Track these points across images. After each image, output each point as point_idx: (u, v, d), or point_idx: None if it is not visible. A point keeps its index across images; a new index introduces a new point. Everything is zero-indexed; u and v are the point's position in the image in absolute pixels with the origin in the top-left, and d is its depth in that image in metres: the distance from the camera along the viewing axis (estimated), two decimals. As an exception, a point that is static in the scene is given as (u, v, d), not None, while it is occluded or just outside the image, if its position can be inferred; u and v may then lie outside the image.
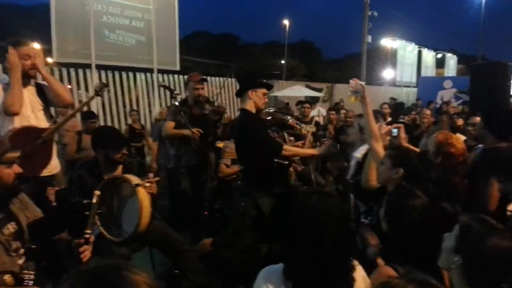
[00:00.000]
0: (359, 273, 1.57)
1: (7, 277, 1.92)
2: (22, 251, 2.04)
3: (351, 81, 2.80)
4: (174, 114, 4.18)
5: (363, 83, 2.81)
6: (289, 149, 3.29)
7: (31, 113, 3.09)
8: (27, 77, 3.10)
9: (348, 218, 1.55)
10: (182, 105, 4.19)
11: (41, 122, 3.14)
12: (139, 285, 0.77)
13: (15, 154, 2.01)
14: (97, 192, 2.21)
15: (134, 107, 9.67)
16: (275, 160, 3.36)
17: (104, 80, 9.11)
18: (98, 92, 3.29)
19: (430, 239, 1.62)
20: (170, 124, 4.18)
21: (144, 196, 2.63)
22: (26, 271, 1.99)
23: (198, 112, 4.19)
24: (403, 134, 2.87)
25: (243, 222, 3.18)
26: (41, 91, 3.22)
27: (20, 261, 2.01)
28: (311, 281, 1.43)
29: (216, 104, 7.24)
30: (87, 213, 2.13)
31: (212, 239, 3.48)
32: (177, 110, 4.12)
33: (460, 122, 6.94)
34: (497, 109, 3.43)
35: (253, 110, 3.26)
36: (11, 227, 2.02)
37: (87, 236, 1.99)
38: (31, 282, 1.96)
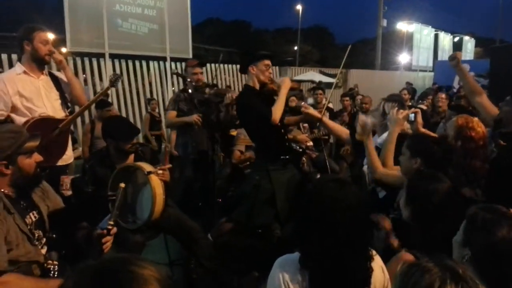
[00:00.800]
0: (377, 263, 1.55)
1: (34, 267, 1.93)
2: (44, 240, 2.05)
3: (360, 117, 2.72)
4: (175, 102, 4.09)
5: (373, 120, 2.71)
6: (274, 108, 3.04)
7: (48, 103, 3.11)
8: (42, 63, 3.12)
9: (365, 207, 1.50)
10: (183, 92, 4.13)
11: (58, 112, 3.16)
12: (147, 280, 0.74)
13: (35, 143, 1.99)
14: (122, 185, 2.20)
15: (148, 95, 9.72)
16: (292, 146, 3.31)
17: (117, 69, 9.16)
18: (113, 83, 3.31)
19: (452, 225, 1.57)
20: (172, 114, 4.08)
21: (157, 184, 2.63)
22: (50, 261, 1.99)
23: (200, 98, 4.06)
24: (420, 120, 2.82)
25: (257, 197, 3.11)
26: (56, 81, 3.24)
27: (43, 251, 2.02)
28: (327, 270, 1.41)
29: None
30: (109, 203, 2.14)
31: (227, 217, 3.44)
32: (178, 98, 4.05)
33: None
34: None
35: (256, 86, 3.20)
36: (33, 216, 2.02)
37: (110, 227, 1.97)
38: (56, 273, 1.96)
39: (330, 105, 7.79)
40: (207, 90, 3.99)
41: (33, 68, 3.09)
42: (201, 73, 4.13)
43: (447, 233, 1.58)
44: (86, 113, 7.61)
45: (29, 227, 1.96)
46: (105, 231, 1.94)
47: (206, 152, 4.09)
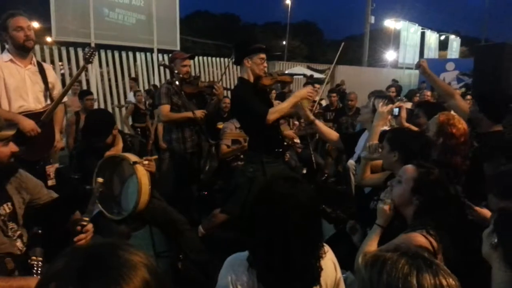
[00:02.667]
0: (329, 259, 1.53)
1: (8, 261, 1.88)
2: (18, 233, 1.99)
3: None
4: (167, 96, 3.89)
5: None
6: (273, 110, 3.08)
7: (32, 94, 3.07)
8: (25, 50, 3.04)
9: (316, 205, 1.46)
10: (171, 84, 3.95)
11: (41, 104, 3.12)
12: (136, 266, 0.73)
13: (11, 132, 1.96)
14: (100, 180, 2.18)
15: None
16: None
17: (103, 60, 9.05)
18: (88, 60, 3.16)
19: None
20: (167, 108, 3.88)
21: (142, 174, 2.63)
22: (34, 257, 1.94)
23: (191, 90, 3.95)
24: (404, 114, 2.86)
25: (251, 189, 3.07)
26: (43, 73, 3.18)
27: (18, 244, 1.97)
28: (274, 268, 1.37)
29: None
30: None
31: (221, 208, 3.42)
32: (169, 91, 3.89)
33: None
34: (491, 92, 3.42)
35: (251, 79, 3.19)
36: (7, 208, 1.97)
37: (84, 223, 1.91)
38: (40, 270, 1.91)
39: (323, 102, 7.81)
40: (199, 82, 3.95)
41: (18, 56, 3.03)
42: (189, 65, 4.09)
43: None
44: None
45: (2, 217, 1.92)
46: (78, 227, 1.89)
47: (198, 147, 4.07)
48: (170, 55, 4.32)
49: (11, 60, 3.00)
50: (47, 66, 3.31)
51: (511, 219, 1.45)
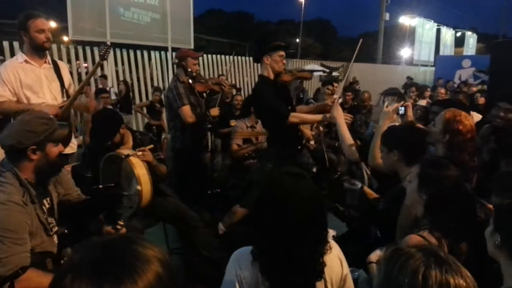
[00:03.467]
0: (335, 255, 1.53)
1: (48, 261, 1.93)
2: (55, 228, 2.04)
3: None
4: (186, 96, 3.82)
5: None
6: (296, 115, 3.16)
7: (48, 93, 3.13)
8: (42, 50, 3.10)
9: (320, 201, 1.47)
10: (183, 83, 3.92)
11: (58, 102, 3.18)
12: (149, 260, 0.75)
13: (65, 131, 2.01)
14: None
15: (149, 85, 9.72)
16: None
17: (118, 58, 9.15)
18: (103, 56, 3.20)
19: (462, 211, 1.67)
20: (189, 108, 3.78)
21: (138, 164, 2.67)
22: (66, 258, 1.97)
23: (202, 89, 3.96)
24: (410, 113, 2.83)
25: None
26: (57, 69, 3.24)
27: (55, 240, 2.02)
28: (277, 262, 1.39)
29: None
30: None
31: (240, 204, 3.43)
32: (185, 91, 3.85)
33: (482, 100, 6.82)
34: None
35: (271, 76, 3.23)
36: (46, 203, 2.01)
37: (119, 227, 1.96)
38: None
39: (340, 100, 7.76)
40: (208, 79, 3.99)
41: (34, 56, 3.08)
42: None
43: (456, 216, 1.66)
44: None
45: (45, 216, 1.96)
46: (113, 230, 1.95)
47: (205, 146, 4.08)
48: (176, 53, 4.30)
49: (25, 61, 3.05)
50: (62, 64, 3.37)
51: (509, 217, 1.43)
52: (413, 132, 2.37)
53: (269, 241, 1.39)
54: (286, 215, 1.37)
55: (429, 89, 7.66)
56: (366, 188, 2.53)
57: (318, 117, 3.21)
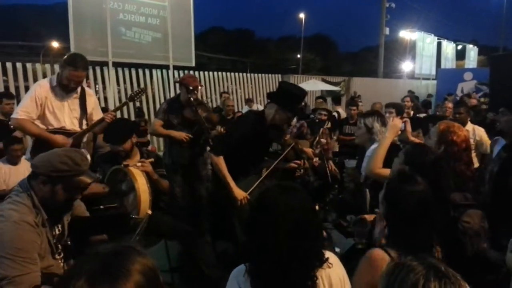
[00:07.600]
0: (336, 273, 1.49)
1: (56, 280, 1.92)
2: (62, 255, 2.06)
3: None
4: (165, 113, 3.98)
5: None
6: (217, 162, 3.15)
7: (68, 120, 3.27)
8: (66, 90, 3.23)
9: (311, 214, 1.46)
10: (174, 103, 4.03)
11: (74, 128, 3.31)
12: (131, 271, 0.83)
13: (86, 181, 1.98)
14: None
15: (151, 103, 9.80)
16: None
17: (120, 77, 9.25)
18: (133, 97, 3.50)
19: (426, 227, 1.57)
20: (158, 123, 4.00)
21: (136, 172, 2.81)
22: None
23: (189, 116, 3.93)
24: (409, 128, 2.86)
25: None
26: (83, 97, 3.35)
27: (61, 263, 2.04)
28: (266, 275, 1.39)
29: (207, 103, 7.03)
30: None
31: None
32: (168, 109, 3.97)
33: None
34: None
35: (268, 118, 3.22)
36: (57, 230, 2.04)
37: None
38: None
39: (341, 110, 7.83)
40: (200, 110, 3.84)
41: (61, 89, 3.25)
42: (197, 92, 4.07)
43: (419, 233, 1.57)
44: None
45: (54, 240, 1.99)
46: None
47: (189, 166, 4.04)
48: (186, 71, 4.36)
49: (57, 86, 3.22)
50: (90, 93, 3.48)
51: None
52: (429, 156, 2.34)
53: (258, 253, 1.40)
54: (274, 225, 1.38)
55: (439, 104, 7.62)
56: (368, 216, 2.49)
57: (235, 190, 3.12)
